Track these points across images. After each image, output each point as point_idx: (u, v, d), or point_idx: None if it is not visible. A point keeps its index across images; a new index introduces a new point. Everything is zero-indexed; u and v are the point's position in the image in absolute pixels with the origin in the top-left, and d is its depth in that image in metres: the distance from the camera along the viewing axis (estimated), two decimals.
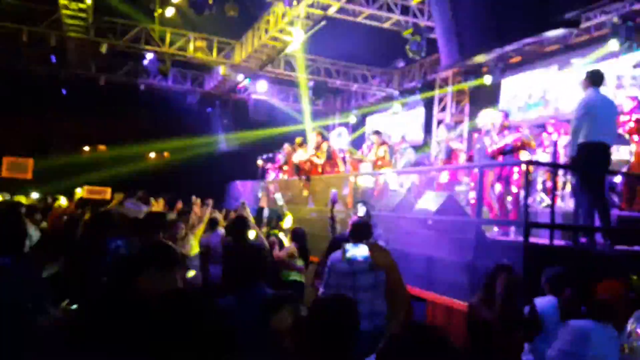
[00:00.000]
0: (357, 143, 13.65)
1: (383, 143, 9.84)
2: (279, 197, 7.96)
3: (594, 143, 5.39)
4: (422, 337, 1.39)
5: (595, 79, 5.63)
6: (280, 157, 13.71)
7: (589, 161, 5.42)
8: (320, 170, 10.46)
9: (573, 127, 5.54)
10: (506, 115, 7.18)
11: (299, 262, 6.07)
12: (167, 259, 2.29)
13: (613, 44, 9.40)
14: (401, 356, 1.37)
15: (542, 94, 11.44)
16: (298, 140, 11.82)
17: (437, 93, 14.20)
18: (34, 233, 5.82)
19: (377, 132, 10.06)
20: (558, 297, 3.82)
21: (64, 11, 11.49)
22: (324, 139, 10.92)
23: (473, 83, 12.33)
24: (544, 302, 3.85)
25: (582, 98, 5.63)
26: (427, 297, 5.71)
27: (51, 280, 3.16)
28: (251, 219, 6.03)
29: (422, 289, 5.79)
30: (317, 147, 10.58)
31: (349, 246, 2.18)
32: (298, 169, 10.86)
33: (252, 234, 5.48)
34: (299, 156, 11.10)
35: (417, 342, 1.38)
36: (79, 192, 15.55)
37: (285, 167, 12.73)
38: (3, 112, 18.54)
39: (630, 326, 3.03)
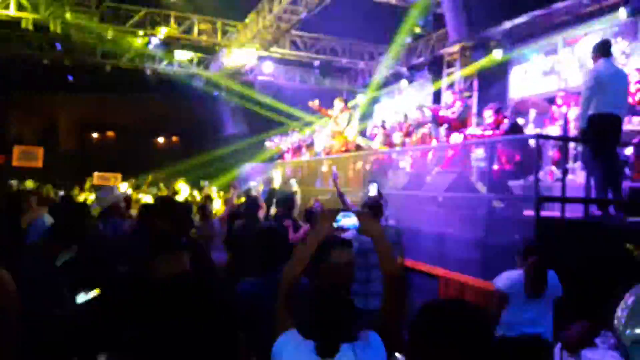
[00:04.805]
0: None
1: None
2: (293, 183, 7.98)
3: (605, 114, 5.33)
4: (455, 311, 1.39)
5: (604, 49, 5.55)
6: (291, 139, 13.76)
7: (600, 133, 5.36)
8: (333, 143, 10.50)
9: (583, 99, 5.47)
10: None
11: None
12: (173, 244, 2.40)
13: (622, 14, 9.24)
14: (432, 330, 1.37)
15: (551, 67, 11.29)
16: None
17: (445, 68, 14.05)
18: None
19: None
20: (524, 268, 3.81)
21: None
22: (347, 107, 10.82)
23: (482, 63, 12.19)
24: (511, 275, 3.85)
25: (592, 69, 5.55)
26: (439, 273, 5.73)
27: (65, 268, 3.19)
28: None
29: (434, 266, 5.81)
30: (338, 115, 10.50)
31: (339, 216, 2.19)
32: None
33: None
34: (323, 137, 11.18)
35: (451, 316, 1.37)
36: (89, 180, 15.67)
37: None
38: (12, 101, 18.63)
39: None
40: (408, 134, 10.04)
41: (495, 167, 6.56)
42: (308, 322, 1.99)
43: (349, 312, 2.02)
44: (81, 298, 3.34)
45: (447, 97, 8.78)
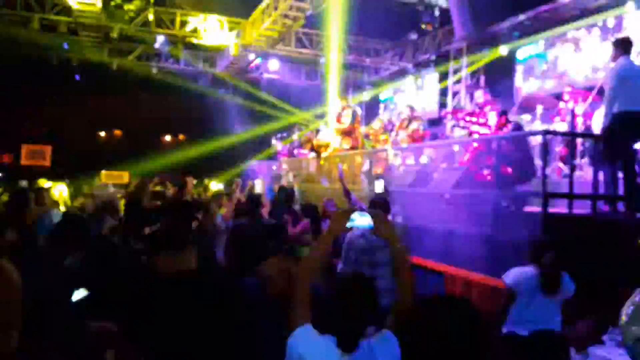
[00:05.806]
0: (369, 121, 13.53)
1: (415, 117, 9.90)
2: (290, 177, 8.03)
3: (630, 112, 5.27)
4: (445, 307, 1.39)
5: (625, 46, 5.48)
6: (295, 137, 13.74)
7: (624, 130, 5.30)
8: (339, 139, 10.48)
9: (607, 98, 5.42)
10: None
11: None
12: (178, 242, 2.41)
13: (630, 7, 9.16)
14: (424, 327, 1.38)
15: (558, 63, 11.21)
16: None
17: (451, 65, 13.98)
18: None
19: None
20: (537, 265, 3.78)
21: None
22: (349, 104, 10.78)
23: (488, 59, 12.12)
24: (521, 271, 3.82)
25: (613, 68, 5.49)
26: (445, 270, 5.71)
27: (74, 268, 3.20)
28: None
29: (440, 262, 5.79)
30: (340, 114, 10.47)
31: (354, 215, 2.18)
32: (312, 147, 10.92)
33: None
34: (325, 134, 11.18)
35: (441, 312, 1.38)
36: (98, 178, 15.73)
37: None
38: (20, 100, 18.72)
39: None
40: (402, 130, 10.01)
41: (485, 173, 6.54)
42: (328, 316, 1.98)
43: (373, 307, 2.01)
44: (74, 297, 3.35)
45: (478, 96, 8.16)
